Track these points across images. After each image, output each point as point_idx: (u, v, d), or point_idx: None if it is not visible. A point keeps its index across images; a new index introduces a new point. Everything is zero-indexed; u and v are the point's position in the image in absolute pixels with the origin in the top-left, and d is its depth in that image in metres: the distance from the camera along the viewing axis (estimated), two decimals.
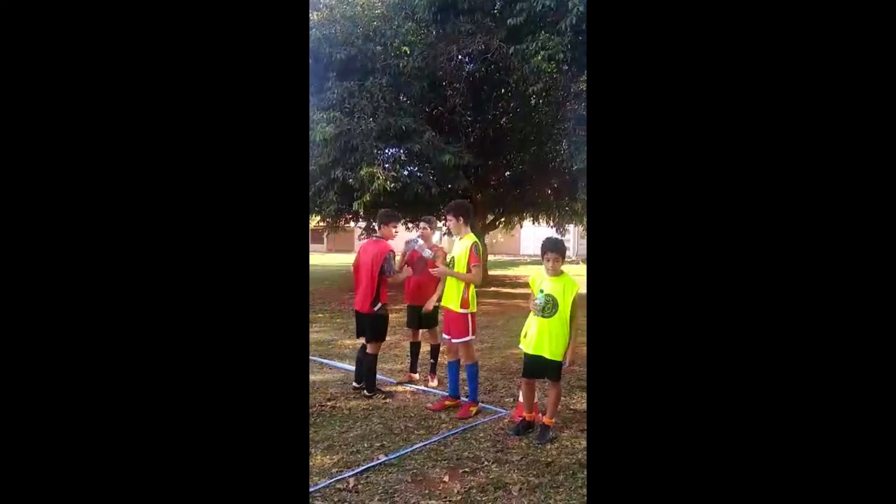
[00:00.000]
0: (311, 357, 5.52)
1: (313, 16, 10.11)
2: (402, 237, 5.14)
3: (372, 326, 4.01)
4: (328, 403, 3.92)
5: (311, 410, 3.78)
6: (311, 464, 2.90)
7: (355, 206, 8.85)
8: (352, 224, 13.96)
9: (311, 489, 2.57)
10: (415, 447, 3.10)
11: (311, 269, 18.25)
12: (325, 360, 5.32)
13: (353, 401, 3.97)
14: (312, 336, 6.62)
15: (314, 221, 14.33)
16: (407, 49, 9.09)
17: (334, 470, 2.80)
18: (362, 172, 8.37)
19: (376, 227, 4.32)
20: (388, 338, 4.56)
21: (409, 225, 11.21)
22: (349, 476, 2.72)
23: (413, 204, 9.75)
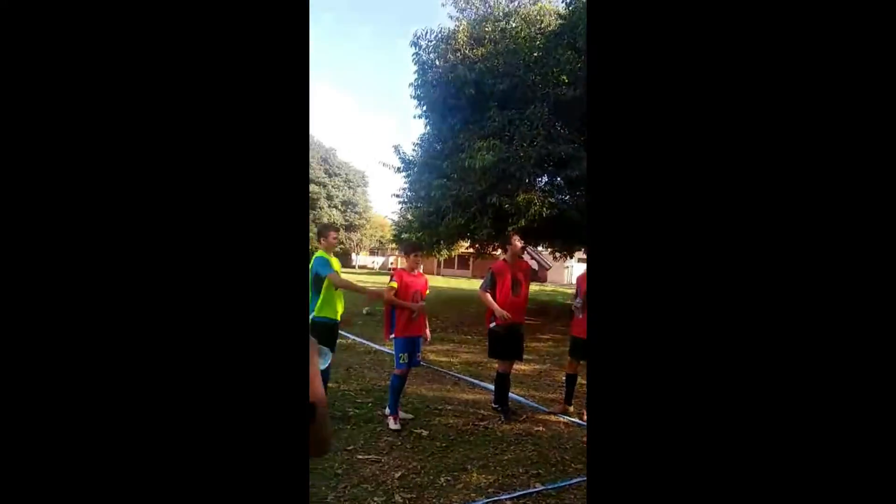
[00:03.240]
0: (462, 377, 5.66)
1: (479, 51, 10.62)
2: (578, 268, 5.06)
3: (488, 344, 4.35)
4: (481, 423, 3.95)
5: (464, 429, 3.85)
6: (467, 480, 2.94)
7: (509, 230, 9.04)
8: (499, 252, 14.15)
9: None
10: (572, 481, 2.96)
11: (460, 293, 18.84)
12: (476, 381, 5.39)
13: (506, 424, 3.95)
14: (463, 357, 6.78)
15: (463, 246, 14.55)
16: (565, 78, 9.07)
17: (490, 490, 2.79)
18: (519, 199, 8.47)
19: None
20: (538, 365, 4.47)
21: (557, 254, 11.03)
22: (506, 498, 2.69)
23: (565, 229, 9.63)
